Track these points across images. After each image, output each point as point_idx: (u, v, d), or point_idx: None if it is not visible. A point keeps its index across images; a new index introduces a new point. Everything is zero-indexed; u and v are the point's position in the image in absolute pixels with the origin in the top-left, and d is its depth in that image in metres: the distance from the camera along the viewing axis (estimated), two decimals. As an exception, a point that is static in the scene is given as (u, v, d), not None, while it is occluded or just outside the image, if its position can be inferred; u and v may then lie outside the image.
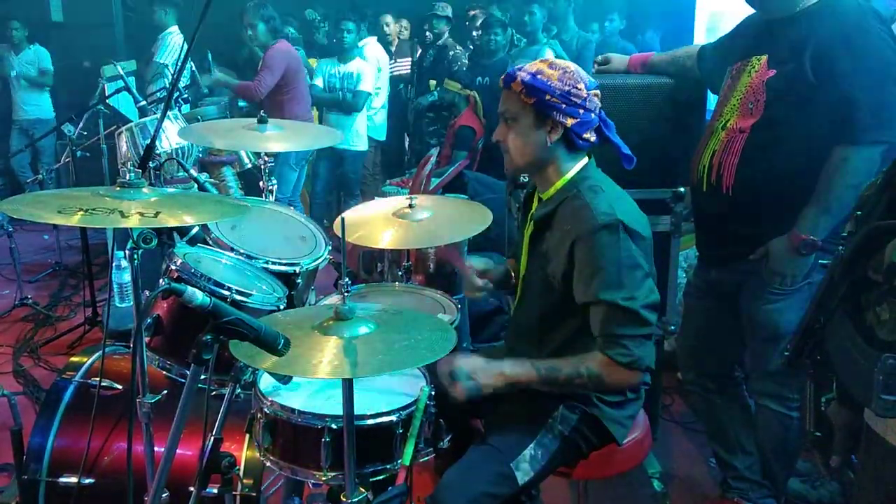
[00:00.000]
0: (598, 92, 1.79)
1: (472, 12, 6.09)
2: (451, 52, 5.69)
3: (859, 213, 1.39)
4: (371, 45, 5.71)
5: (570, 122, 1.74)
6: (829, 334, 1.41)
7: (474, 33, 5.87)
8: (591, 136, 1.78)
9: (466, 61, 5.63)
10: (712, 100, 2.43)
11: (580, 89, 1.74)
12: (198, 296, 1.23)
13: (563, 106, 1.72)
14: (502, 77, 1.80)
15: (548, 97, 1.72)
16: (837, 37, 1.95)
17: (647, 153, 2.00)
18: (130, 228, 1.63)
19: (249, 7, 4.72)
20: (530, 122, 1.76)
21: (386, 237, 2.28)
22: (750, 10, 2.22)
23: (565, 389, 1.72)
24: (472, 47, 5.88)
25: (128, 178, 1.66)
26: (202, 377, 1.34)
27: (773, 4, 2.09)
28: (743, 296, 2.24)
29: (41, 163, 6.43)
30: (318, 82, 5.23)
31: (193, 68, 4.45)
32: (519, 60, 5.27)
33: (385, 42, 6.07)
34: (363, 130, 5.39)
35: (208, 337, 1.25)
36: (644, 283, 1.69)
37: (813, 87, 1.97)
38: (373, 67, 5.39)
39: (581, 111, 1.74)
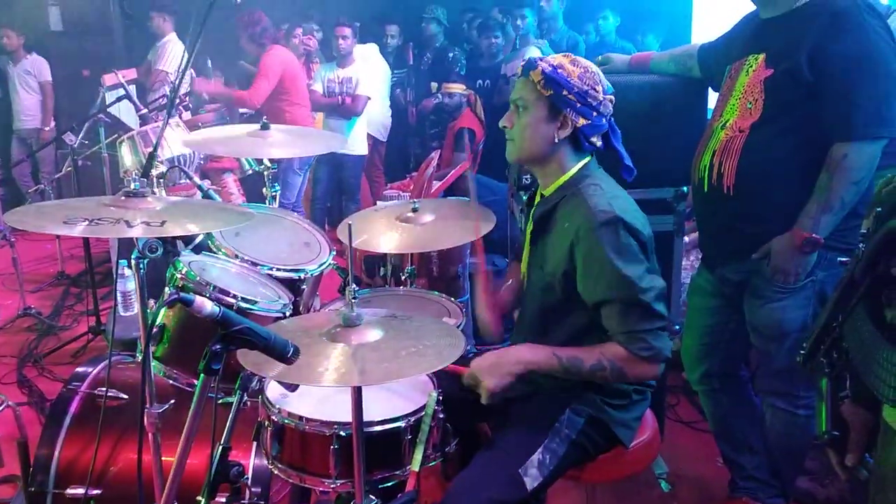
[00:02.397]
0: (612, 97, 1.80)
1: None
2: (451, 54, 5.69)
3: (879, 209, 1.38)
4: (370, 51, 5.71)
5: (581, 122, 1.74)
6: (848, 332, 1.41)
7: (473, 31, 5.87)
8: (598, 141, 1.79)
9: (465, 62, 5.64)
10: (713, 99, 2.43)
11: (597, 91, 1.75)
12: (207, 306, 1.23)
13: (578, 105, 1.73)
14: (521, 64, 1.80)
15: (565, 92, 1.72)
16: (833, 33, 1.94)
17: (649, 152, 2.00)
18: (136, 238, 1.64)
19: (238, 21, 4.71)
20: (543, 114, 1.76)
21: (389, 241, 2.28)
22: (748, 9, 2.22)
23: (584, 379, 1.72)
24: (468, 49, 5.89)
25: (132, 187, 1.66)
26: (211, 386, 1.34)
27: (771, 0, 2.09)
28: (746, 294, 2.24)
29: (42, 172, 6.43)
30: (317, 87, 5.23)
31: (193, 75, 4.46)
32: (509, 62, 5.29)
33: (386, 53, 6.05)
34: (362, 135, 5.39)
35: (218, 346, 1.25)
36: (648, 275, 1.70)
37: (810, 85, 1.96)
38: (370, 71, 5.38)
39: (594, 114, 1.75)
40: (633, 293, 1.66)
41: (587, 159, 1.82)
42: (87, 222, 1.58)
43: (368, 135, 5.50)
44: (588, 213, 1.69)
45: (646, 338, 1.67)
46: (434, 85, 5.73)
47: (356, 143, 5.31)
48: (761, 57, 2.08)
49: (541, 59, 1.77)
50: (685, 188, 2.58)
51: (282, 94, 4.71)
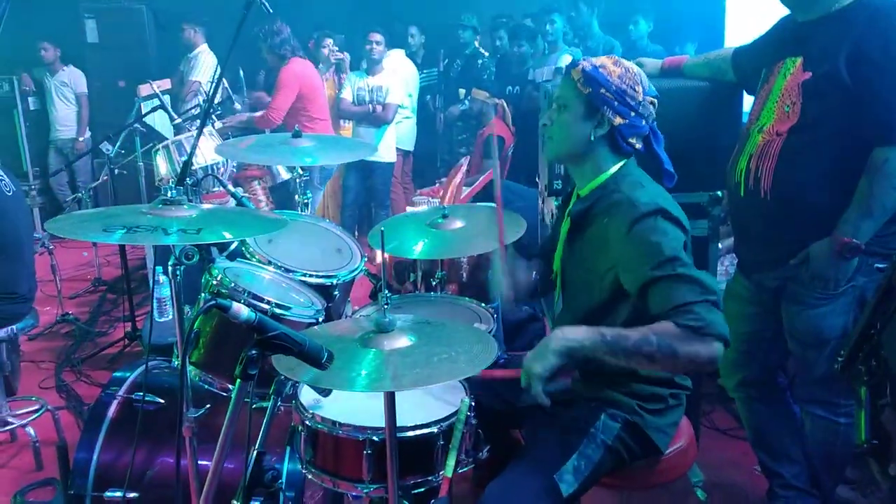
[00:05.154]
0: (654, 100, 1.79)
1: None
2: (480, 61, 5.71)
3: None
4: (398, 57, 5.74)
5: (618, 121, 1.74)
6: (887, 340, 1.38)
7: (497, 42, 5.91)
8: (637, 143, 1.78)
9: (494, 69, 5.64)
10: (748, 103, 2.40)
11: (637, 92, 1.75)
12: (243, 311, 1.24)
13: (616, 103, 1.73)
14: (567, 64, 1.82)
15: (603, 91, 1.73)
16: (872, 37, 1.91)
17: (683, 157, 1.98)
18: (173, 245, 1.66)
19: (259, 32, 4.59)
20: (580, 111, 1.76)
21: (419, 247, 2.29)
22: (783, 12, 2.19)
23: (632, 361, 1.60)
24: (498, 56, 5.90)
25: (169, 195, 1.69)
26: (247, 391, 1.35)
27: (808, 4, 2.06)
28: (784, 301, 2.20)
29: (79, 181, 6.58)
30: (347, 95, 5.27)
31: (226, 85, 4.51)
32: (538, 68, 5.30)
33: (411, 53, 6.09)
34: (392, 142, 5.41)
35: (254, 352, 1.26)
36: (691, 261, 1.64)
37: (849, 89, 1.93)
38: (400, 79, 5.41)
39: (632, 114, 1.74)
40: (678, 268, 1.59)
41: (625, 161, 1.81)
42: (125, 230, 1.61)
43: (397, 148, 5.51)
44: (631, 207, 1.67)
45: (693, 308, 1.56)
46: (462, 91, 5.76)
47: (386, 151, 5.34)
48: (799, 60, 2.05)
49: (584, 59, 1.79)
50: (720, 192, 2.55)
51: (300, 111, 4.62)
